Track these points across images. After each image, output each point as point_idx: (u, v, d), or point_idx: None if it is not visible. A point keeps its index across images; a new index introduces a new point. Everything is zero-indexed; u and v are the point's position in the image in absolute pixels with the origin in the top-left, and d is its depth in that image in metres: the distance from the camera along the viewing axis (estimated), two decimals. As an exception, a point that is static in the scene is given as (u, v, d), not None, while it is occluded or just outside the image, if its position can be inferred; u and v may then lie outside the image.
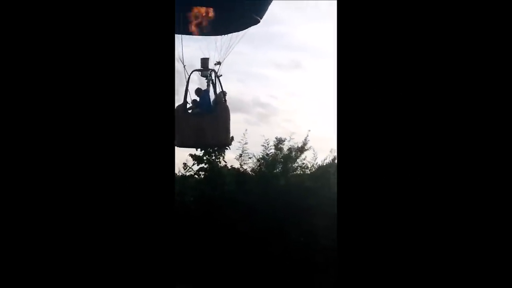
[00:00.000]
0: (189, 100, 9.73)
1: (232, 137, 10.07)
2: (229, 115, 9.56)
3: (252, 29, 9.74)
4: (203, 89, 9.74)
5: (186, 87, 9.61)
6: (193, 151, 11.13)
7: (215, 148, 10.75)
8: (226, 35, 9.49)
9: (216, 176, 11.43)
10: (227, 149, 10.19)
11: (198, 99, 9.72)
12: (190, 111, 9.77)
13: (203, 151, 11.02)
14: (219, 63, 9.64)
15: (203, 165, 11.42)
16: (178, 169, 11.75)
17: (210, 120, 9.47)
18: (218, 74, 9.72)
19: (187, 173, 11.80)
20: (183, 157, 12.19)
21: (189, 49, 9.99)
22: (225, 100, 9.76)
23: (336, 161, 10.59)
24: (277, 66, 28.82)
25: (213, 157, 11.31)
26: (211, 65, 9.73)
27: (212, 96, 9.77)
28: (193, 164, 11.52)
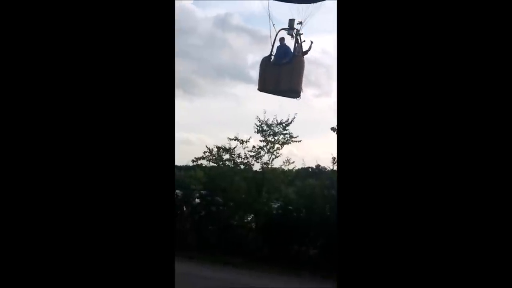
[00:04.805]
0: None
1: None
2: (303, 67, 11.10)
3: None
4: (285, 41, 11.37)
5: (273, 42, 11.30)
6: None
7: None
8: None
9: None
10: (299, 98, 11.64)
11: (281, 47, 11.33)
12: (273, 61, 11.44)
13: None
14: (300, 23, 11.19)
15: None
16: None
17: (286, 70, 11.07)
18: (299, 32, 11.29)
19: None
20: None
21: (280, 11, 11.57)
22: (305, 53, 11.30)
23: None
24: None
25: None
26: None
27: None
28: None
